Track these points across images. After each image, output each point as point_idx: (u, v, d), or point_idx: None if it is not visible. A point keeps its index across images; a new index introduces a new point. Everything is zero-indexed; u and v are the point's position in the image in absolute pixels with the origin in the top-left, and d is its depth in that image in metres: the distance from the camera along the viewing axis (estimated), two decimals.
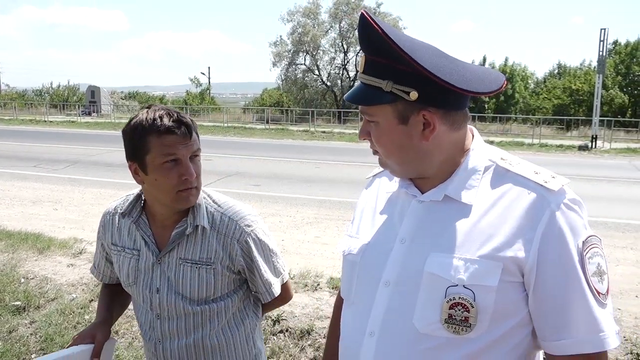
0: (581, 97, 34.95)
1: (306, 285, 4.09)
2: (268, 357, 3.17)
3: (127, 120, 1.44)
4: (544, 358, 1.06)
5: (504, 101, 40.42)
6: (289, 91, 40.36)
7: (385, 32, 0.94)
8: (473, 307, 0.95)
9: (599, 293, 0.96)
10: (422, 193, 1.07)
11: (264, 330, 3.35)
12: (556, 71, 46.44)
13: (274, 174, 10.82)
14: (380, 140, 1.04)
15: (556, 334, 0.96)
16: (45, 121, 26.80)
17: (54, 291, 4.03)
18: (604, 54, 19.77)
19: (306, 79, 38.75)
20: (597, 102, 19.80)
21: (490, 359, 0.98)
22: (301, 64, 38.40)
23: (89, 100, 34.24)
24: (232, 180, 9.85)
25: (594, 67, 28.75)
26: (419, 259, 1.01)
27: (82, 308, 3.76)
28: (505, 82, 1.04)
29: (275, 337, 3.39)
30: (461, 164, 1.05)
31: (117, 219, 1.54)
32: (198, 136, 1.41)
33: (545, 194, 0.97)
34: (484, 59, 43.88)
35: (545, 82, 44.67)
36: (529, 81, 46.11)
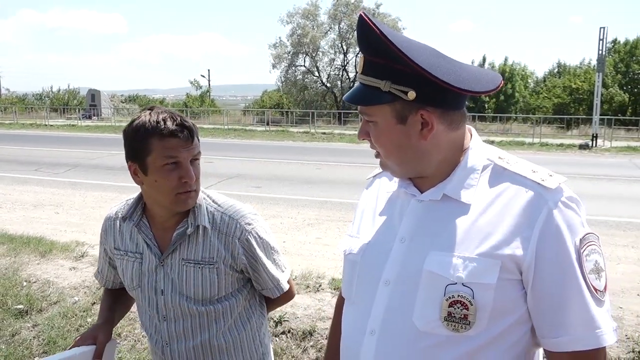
0: (581, 96, 34.97)
1: (308, 287, 4.10)
2: None
3: (127, 124, 1.44)
4: (544, 357, 1.06)
5: (504, 101, 40.46)
6: (289, 93, 40.41)
7: (383, 32, 0.95)
8: (472, 304, 0.96)
9: (596, 290, 0.96)
10: (421, 192, 1.08)
11: None
12: (556, 70, 46.48)
13: (275, 175, 10.83)
14: (379, 140, 1.05)
15: (554, 331, 0.97)
16: (46, 125, 26.84)
17: (56, 294, 4.04)
18: (604, 53, 19.79)
19: (306, 80, 38.79)
20: (597, 101, 19.81)
21: (489, 356, 0.99)
22: (301, 66, 38.48)
23: (89, 104, 34.30)
24: (233, 182, 9.86)
25: (594, 66, 28.78)
26: (418, 258, 1.02)
27: (84, 311, 3.77)
28: (502, 82, 1.05)
29: (277, 338, 3.40)
30: (459, 163, 1.06)
31: (118, 224, 1.54)
32: (199, 140, 1.42)
33: (543, 192, 0.98)
34: (484, 59, 43.95)
35: (545, 81, 44.71)
36: (529, 80, 46.17)
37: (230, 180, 9.98)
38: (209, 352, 1.51)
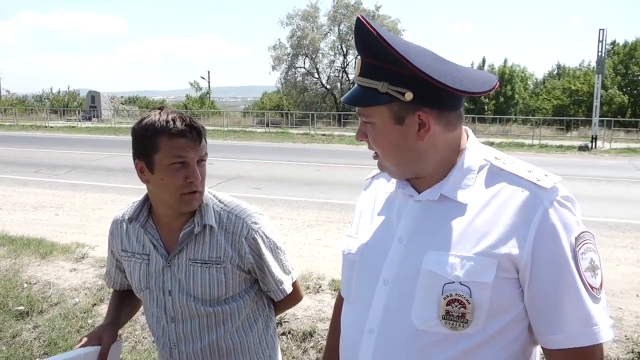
0: (581, 98, 35.00)
1: (308, 288, 4.10)
2: None
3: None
4: (541, 356, 1.07)
5: (503, 102, 40.47)
6: (288, 94, 40.43)
7: (381, 35, 0.97)
8: (469, 303, 0.97)
9: (592, 287, 0.98)
10: (419, 193, 1.09)
11: None
12: (555, 72, 46.54)
13: (275, 177, 10.84)
14: (377, 141, 1.06)
15: (551, 328, 0.98)
16: (46, 127, 26.85)
17: (56, 296, 4.04)
18: (603, 55, 19.81)
19: (306, 82, 38.82)
20: (596, 103, 19.82)
21: (487, 353, 1.00)
22: (301, 67, 38.50)
23: (89, 106, 34.33)
24: (233, 183, 9.87)
25: (593, 68, 28.79)
26: (416, 257, 1.03)
27: (85, 312, 3.78)
28: (497, 83, 1.07)
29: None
30: (456, 164, 1.07)
31: (125, 226, 1.55)
32: (206, 142, 1.43)
33: (539, 192, 1.00)
34: (484, 61, 43.98)
35: (544, 82, 44.76)
36: (529, 82, 46.18)
37: (230, 182, 9.99)
38: (216, 353, 1.51)
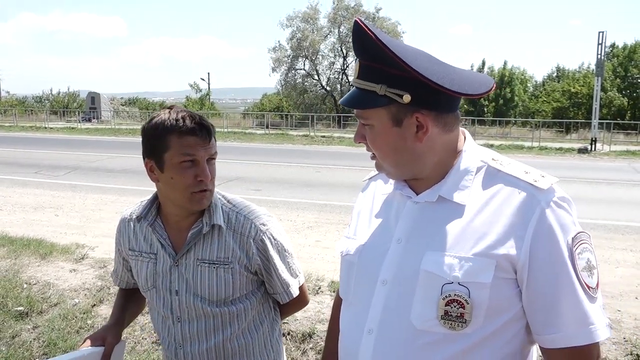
0: (580, 100, 35.03)
1: (307, 289, 4.11)
2: None
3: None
4: (539, 355, 1.08)
5: (503, 105, 40.51)
6: (288, 96, 40.45)
7: (379, 38, 0.98)
8: (468, 303, 0.98)
9: (589, 287, 0.99)
10: (417, 194, 1.10)
11: None
12: (555, 74, 46.55)
13: (275, 178, 10.85)
14: (375, 143, 1.07)
15: (549, 327, 0.99)
16: (46, 128, 26.85)
17: (56, 296, 4.05)
18: (603, 57, 19.84)
19: (306, 83, 38.85)
20: (596, 105, 19.85)
21: (485, 353, 1.01)
22: (300, 69, 38.53)
23: (89, 107, 34.33)
24: (233, 185, 9.88)
25: (593, 70, 28.83)
26: (415, 258, 1.04)
27: (84, 313, 3.78)
28: (494, 85, 1.08)
29: None
30: (454, 165, 1.08)
31: (132, 225, 1.55)
32: (216, 141, 1.44)
33: (535, 193, 1.01)
34: (483, 63, 44.03)
35: (544, 85, 44.77)
36: (528, 84, 46.21)
37: (230, 183, 9.99)
38: (222, 355, 1.50)
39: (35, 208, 7.57)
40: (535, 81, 48.28)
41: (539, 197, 1.00)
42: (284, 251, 1.54)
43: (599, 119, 20.06)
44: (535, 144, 20.44)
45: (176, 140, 1.35)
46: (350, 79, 36.95)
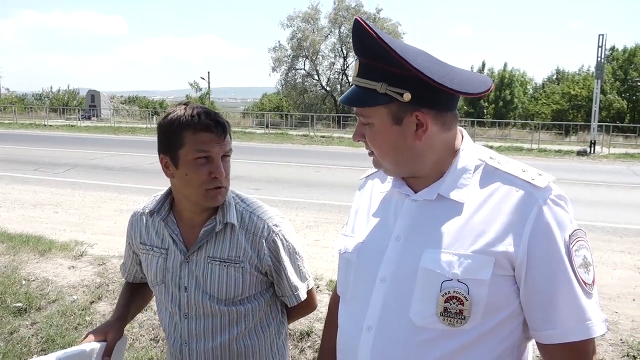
0: (580, 103, 35.09)
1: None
2: None
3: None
4: (537, 356, 1.09)
5: (502, 106, 40.55)
6: (288, 96, 40.46)
7: (380, 36, 0.98)
8: (467, 300, 0.99)
9: (585, 283, 1.00)
10: (415, 192, 1.11)
11: None
12: (555, 77, 46.63)
13: (274, 178, 10.86)
14: (375, 141, 1.08)
15: (546, 324, 1.00)
16: (45, 125, 26.83)
17: (55, 293, 4.05)
18: (602, 60, 19.87)
19: (306, 83, 38.85)
20: (595, 108, 19.89)
21: (483, 348, 1.02)
22: (301, 69, 38.54)
23: (88, 105, 34.32)
24: (233, 184, 9.75)
25: (592, 73, 28.87)
26: (414, 256, 1.05)
27: (82, 309, 3.79)
28: (493, 86, 1.09)
29: None
30: (452, 164, 1.09)
31: (144, 219, 1.54)
32: (231, 138, 1.43)
33: (533, 191, 1.02)
34: (483, 64, 44.07)
35: (544, 87, 44.84)
36: (528, 86, 46.26)
37: (230, 182, 9.98)
38: (227, 354, 1.48)
39: (34, 205, 7.57)
40: (535, 83, 48.39)
41: (536, 195, 1.01)
42: (295, 254, 1.54)
43: (598, 122, 20.09)
44: (535, 146, 20.46)
45: (191, 137, 1.35)
46: (351, 79, 37.01)
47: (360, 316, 1.11)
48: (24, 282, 4.25)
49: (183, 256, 1.46)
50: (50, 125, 26.72)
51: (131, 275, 1.69)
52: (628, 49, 37.56)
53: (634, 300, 4.22)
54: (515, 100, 41.70)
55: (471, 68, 39.94)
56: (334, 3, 36.84)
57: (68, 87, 44.93)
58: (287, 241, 1.51)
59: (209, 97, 43.62)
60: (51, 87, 50.20)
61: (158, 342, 3.39)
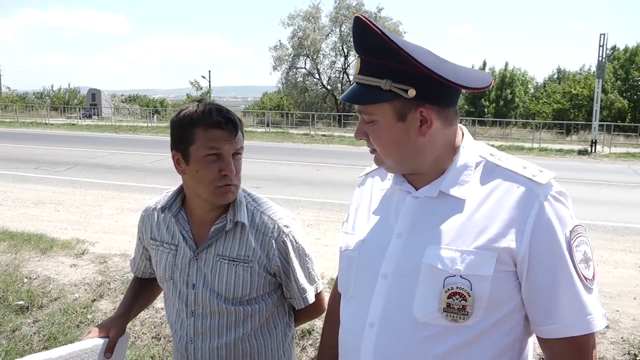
0: (581, 102, 35.05)
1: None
2: None
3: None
4: (538, 354, 1.10)
5: (503, 106, 40.51)
6: (289, 95, 40.45)
7: (385, 33, 0.99)
8: (470, 296, 0.99)
9: (586, 279, 1.01)
10: (416, 189, 1.12)
11: None
12: (556, 76, 46.57)
13: (275, 176, 10.86)
14: (379, 139, 1.08)
15: (548, 318, 1.01)
16: (46, 124, 26.84)
17: (56, 291, 4.06)
18: (604, 59, 19.84)
19: (306, 82, 38.83)
20: (596, 107, 19.86)
21: (485, 344, 1.02)
22: (301, 68, 38.51)
23: (89, 103, 34.32)
24: None
25: (594, 72, 28.84)
26: (416, 252, 1.05)
27: (84, 307, 3.80)
28: (493, 81, 1.10)
29: None
30: (453, 161, 1.10)
31: (156, 215, 1.55)
32: (243, 135, 1.43)
33: (534, 187, 1.03)
34: (484, 64, 43.99)
35: (545, 86, 44.79)
36: (529, 86, 46.21)
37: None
38: (232, 354, 1.48)
39: (35, 203, 7.58)
40: (536, 82, 48.34)
41: (537, 192, 1.02)
42: (305, 256, 1.53)
43: (600, 121, 20.06)
44: (536, 145, 20.44)
45: (202, 134, 1.35)
46: (351, 76, 37.02)
47: (362, 313, 1.11)
48: (25, 280, 4.26)
49: (192, 253, 1.46)
50: (51, 124, 26.73)
51: (140, 271, 1.69)
52: (629, 48, 37.52)
53: (634, 298, 4.22)
54: (517, 99, 41.66)
55: (472, 67, 39.83)
56: (335, 2, 36.82)
57: (69, 85, 45.00)
58: (297, 242, 1.50)
59: (209, 96, 43.63)
60: (52, 86, 50.25)
61: (160, 340, 3.40)
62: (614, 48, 38.10)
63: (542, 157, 17.37)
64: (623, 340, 3.34)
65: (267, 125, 27.61)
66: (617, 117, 33.24)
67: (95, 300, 3.94)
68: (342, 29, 36.64)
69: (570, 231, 1.01)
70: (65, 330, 3.48)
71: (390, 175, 1.19)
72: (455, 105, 1.09)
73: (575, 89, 35.66)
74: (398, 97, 1.02)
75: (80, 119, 30.09)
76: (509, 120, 31.08)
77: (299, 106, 38.20)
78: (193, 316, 1.48)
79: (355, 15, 1.02)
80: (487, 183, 1.07)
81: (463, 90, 1.04)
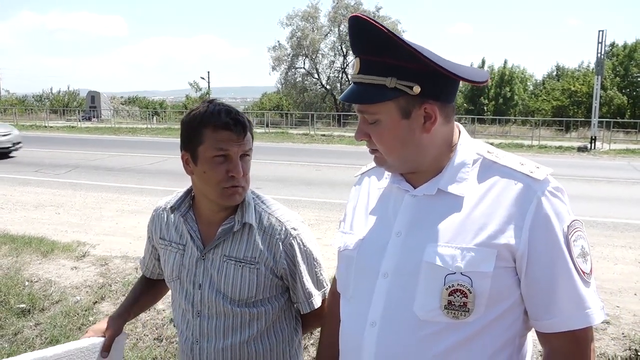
0: (580, 99, 35.08)
1: None
2: None
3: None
4: (539, 351, 1.10)
5: (503, 103, 40.52)
6: (288, 95, 40.48)
7: (390, 30, 0.99)
8: (471, 292, 1.00)
9: (584, 273, 1.02)
10: (414, 188, 1.12)
11: None
12: (555, 73, 46.56)
13: (275, 176, 10.87)
14: (383, 139, 1.07)
15: (547, 313, 1.02)
16: (46, 126, 26.85)
17: (58, 294, 4.06)
18: (602, 56, 19.84)
19: (306, 82, 38.84)
20: (595, 104, 19.86)
21: (486, 339, 1.03)
22: (300, 68, 38.52)
23: (89, 106, 34.36)
24: None
25: (593, 69, 28.84)
26: (416, 251, 1.06)
27: (86, 310, 3.80)
28: (489, 77, 1.11)
29: None
30: (451, 159, 1.10)
31: (165, 215, 1.55)
32: (252, 137, 1.43)
33: (532, 184, 1.03)
34: (483, 62, 43.96)
35: (544, 83, 44.79)
36: (528, 83, 46.22)
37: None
38: (237, 356, 1.46)
39: (36, 206, 7.59)
40: (535, 80, 48.32)
41: (535, 187, 1.02)
42: (313, 260, 1.51)
43: (599, 118, 20.06)
44: (535, 143, 20.46)
45: (210, 134, 1.35)
46: (350, 76, 36.96)
47: (363, 312, 1.11)
48: (27, 283, 4.27)
49: (200, 253, 1.46)
50: (51, 127, 26.74)
51: (148, 270, 1.70)
52: (628, 44, 37.51)
53: (635, 294, 4.23)
54: (516, 97, 41.67)
55: (471, 65, 39.84)
56: (334, 1, 36.84)
57: (68, 88, 45.05)
58: (304, 246, 1.48)
59: (208, 97, 43.60)
60: (51, 89, 50.27)
61: (162, 341, 3.41)
62: (612, 44, 38.09)
63: (542, 155, 17.37)
64: (624, 336, 3.35)
65: (267, 126, 27.63)
66: (617, 113, 33.26)
67: (96, 302, 3.94)
68: (341, 28, 36.64)
69: (568, 226, 1.02)
70: (67, 332, 3.48)
71: (387, 174, 1.18)
72: (453, 102, 1.09)
73: (574, 86, 35.68)
74: (402, 94, 1.01)
75: (79, 121, 30.11)
76: (508, 118, 31.10)
77: (298, 106, 38.21)
78: (199, 317, 1.47)
79: (352, 15, 1.02)
80: (485, 180, 1.07)
81: (461, 88, 1.05)
